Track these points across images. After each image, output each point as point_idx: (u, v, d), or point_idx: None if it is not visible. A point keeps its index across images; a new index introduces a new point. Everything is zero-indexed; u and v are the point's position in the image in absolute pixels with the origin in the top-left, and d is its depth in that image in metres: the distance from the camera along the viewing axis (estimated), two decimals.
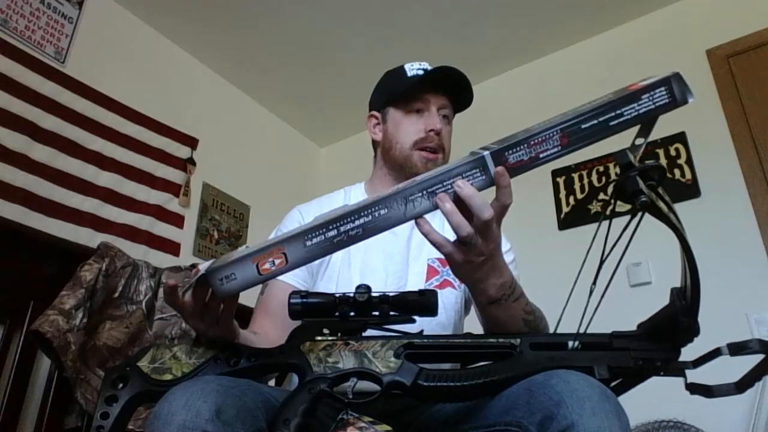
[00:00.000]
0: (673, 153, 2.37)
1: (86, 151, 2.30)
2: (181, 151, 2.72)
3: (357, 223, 0.70)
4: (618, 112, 0.67)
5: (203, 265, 0.74)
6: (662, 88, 0.67)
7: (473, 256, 0.73)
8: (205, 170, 2.82)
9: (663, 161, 2.38)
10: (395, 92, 1.15)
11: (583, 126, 0.67)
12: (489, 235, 0.71)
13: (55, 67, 2.28)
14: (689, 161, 2.32)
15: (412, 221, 0.71)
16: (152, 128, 2.60)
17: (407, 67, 1.16)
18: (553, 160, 0.69)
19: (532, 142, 0.68)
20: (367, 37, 2.82)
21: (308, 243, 0.70)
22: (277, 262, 0.70)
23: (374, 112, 1.22)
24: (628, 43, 2.68)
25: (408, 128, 1.13)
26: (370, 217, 0.70)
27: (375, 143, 1.23)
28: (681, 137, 2.37)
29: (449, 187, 0.70)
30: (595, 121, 0.67)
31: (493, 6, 2.63)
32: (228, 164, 2.98)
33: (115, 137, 2.42)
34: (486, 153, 0.69)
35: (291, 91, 3.20)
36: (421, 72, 1.13)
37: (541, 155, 0.68)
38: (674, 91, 0.67)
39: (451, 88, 1.15)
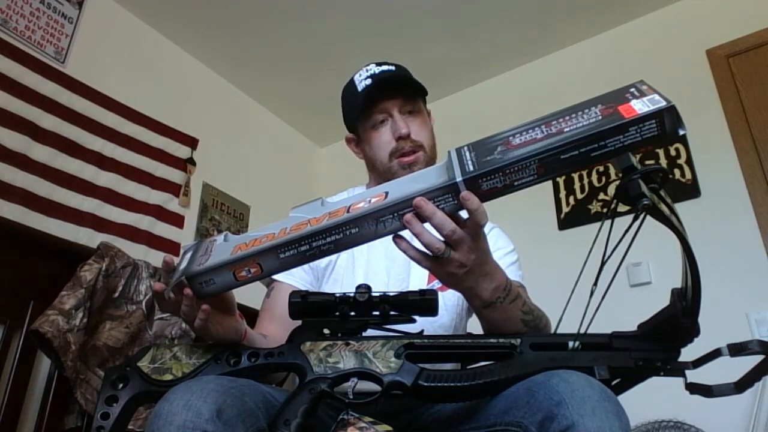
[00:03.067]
0: (673, 153, 2.37)
1: (86, 151, 2.30)
2: (181, 151, 2.72)
3: (328, 239, 0.72)
4: (601, 143, 0.64)
5: (182, 255, 0.77)
6: (653, 121, 0.62)
7: (454, 269, 0.74)
8: (205, 170, 2.82)
9: (663, 161, 2.38)
10: (354, 111, 1.13)
11: (562, 156, 0.65)
12: (463, 247, 0.72)
13: (55, 67, 2.27)
14: (689, 161, 2.32)
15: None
16: (152, 128, 2.60)
17: (356, 79, 1.14)
18: (528, 187, 0.68)
19: (507, 171, 0.66)
20: (367, 37, 2.82)
21: (281, 255, 0.72)
22: (252, 270, 0.73)
23: (350, 135, 1.21)
24: (628, 43, 2.68)
25: (379, 142, 1.11)
26: (341, 235, 0.71)
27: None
28: (681, 137, 2.37)
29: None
30: (576, 152, 0.64)
31: (493, 6, 2.63)
32: (228, 164, 2.98)
33: (115, 137, 2.42)
34: (459, 180, 0.68)
35: (291, 91, 3.20)
36: (369, 81, 1.11)
37: (516, 183, 0.67)
38: (665, 124, 0.62)
39: (403, 83, 1.12)
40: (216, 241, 0.77)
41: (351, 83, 1.15)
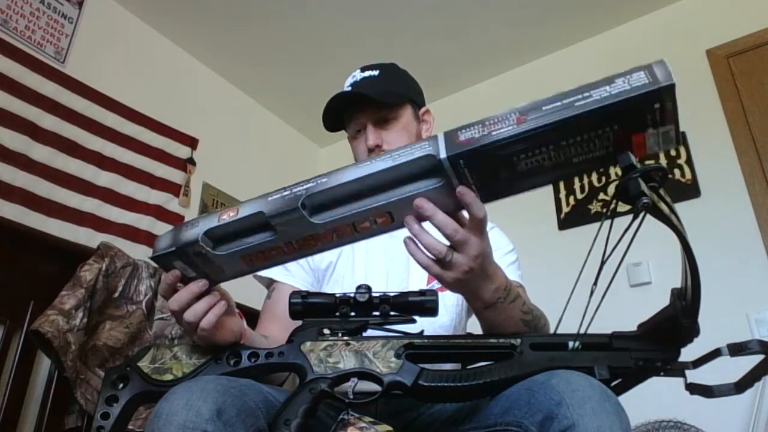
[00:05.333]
0: (673, 153, 2.37)
1: (86, 151, 2.30)
2: (181, 151, 2.72)
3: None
4: (586, 93, 0.60)
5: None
6: (641, 72, 0.59)
7: (459, 274, 0.72)
8: (205, 170, 2.82)
9: (663, 161, 2.38)
10: (331, 123, 1.17)
11: (543, 107, 0.62)
12: (467, 249, 0.70)
13: (55, 67, 2.28)
14: (689, 161, 2.32)
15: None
16: (152, 128, 2.60)
17: (345, 86, 1.17)
18: (510, 138, 0.62)
19: (486, 123, 0.64)
20: (367, 36, 2.82)
21: (269, 198, 0.72)
22: (231, 213, 0.73)
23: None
24: (628, 43, 2.68)
25: (356, 152, 1.17)
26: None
27: None
28: (681, 137, 2.37)
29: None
30: (559, 103, 0.62)
31: (492, 6, 2.63)
32: (228, 164, 2.98)
33: (115, 137, 2.42)
34: (443, 157, 0.64)
35: (291, 91, 3.20)
36: (349, 89, 1.13)
37: (494, 132, 0.62)
38: (655, 72, 0.59)
39: (374, 96, 1.11)
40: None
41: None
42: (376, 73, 1.14)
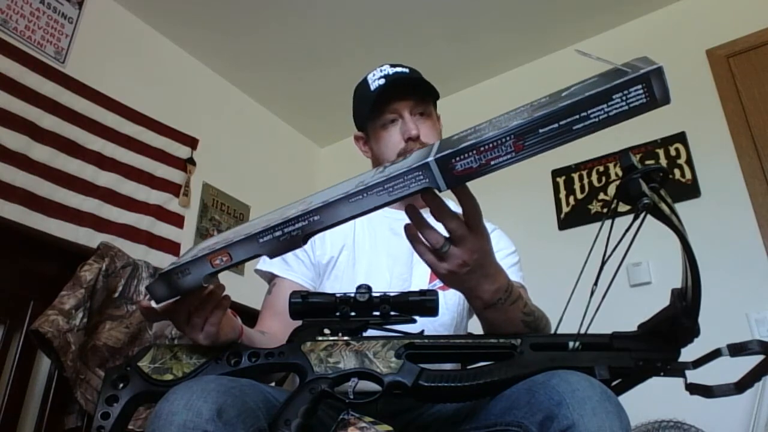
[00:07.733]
0: (673, 153, 2.38)
1: (86, 151, 2.30)
2: (181, 151, 2.72)
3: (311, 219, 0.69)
4: (583, 114, 0.59)
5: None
6: (638, 87, 0.57)
7: (453, 266, 0.72)
8: (205, 170, 2.82)
9: (663, 161, 2.38)
10: (365, 109, 1.14)
11: (540, 130, 0.60)
12: (464, 244, 0.71)
13: (55, 67, 2.28)
14: (689, 161, 2.32)
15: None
16: (152, 128, 2.60)
17: (370, 78, 1.15)
18: (508, 166, 0.62)
19: (481, 149, 0.62)
20: (367, 37, 2.82)
21: (260, 240, 0.70)
22: (224, 259, 0.71)
23: (358, 133, 1.22)
24: (628, 43, 2.68)
25: (388, 142, 1.12)
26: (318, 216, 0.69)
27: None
28: (681, 137, 2.37)
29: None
30: (556, 125, 0.60)
31: (492, 6, 2.63)
32: (228, 164, 2.98)
33: (115, 137, 2.42)
34: (431, 159, 0.64)
35: (291, 91, 3.20)
36: (382, 81, 1.12)
37: (492, 162, 0.62)
38: (654, 89, 0.57)
39: (416, 85, 1.13)
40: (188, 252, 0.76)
41: (364, 82, 1.16)
42: (407, 70, 1.15)
